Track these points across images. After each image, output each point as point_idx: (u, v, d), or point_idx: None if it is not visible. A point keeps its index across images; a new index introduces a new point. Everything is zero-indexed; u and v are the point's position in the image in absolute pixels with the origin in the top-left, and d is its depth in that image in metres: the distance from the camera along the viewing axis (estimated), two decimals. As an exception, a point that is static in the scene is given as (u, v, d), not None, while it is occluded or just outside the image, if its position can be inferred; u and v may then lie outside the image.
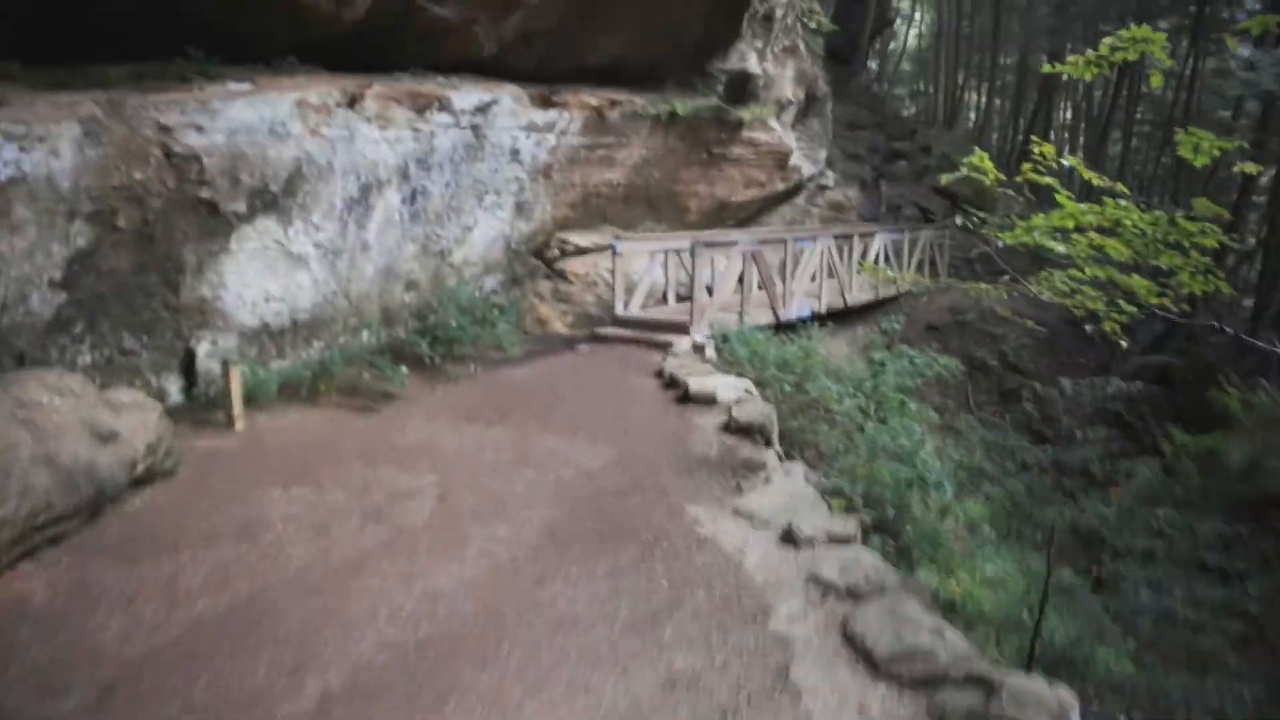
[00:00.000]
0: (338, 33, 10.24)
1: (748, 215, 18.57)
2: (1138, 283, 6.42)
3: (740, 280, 12.64)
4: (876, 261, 16.04)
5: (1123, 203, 5.99)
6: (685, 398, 8.83)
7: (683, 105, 15.22)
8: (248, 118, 8.17)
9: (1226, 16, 25.12)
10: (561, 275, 13.97)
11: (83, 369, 6.99)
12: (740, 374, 10.59)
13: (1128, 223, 5.91)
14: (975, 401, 15.41)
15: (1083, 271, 6.89)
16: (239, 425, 7.51)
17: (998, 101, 32.00)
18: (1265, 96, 16.72)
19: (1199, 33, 24.20)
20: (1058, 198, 6.31)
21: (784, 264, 13.72)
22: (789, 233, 14.52)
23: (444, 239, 11.37)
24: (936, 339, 16.26)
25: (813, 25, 17.68)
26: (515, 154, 12.29)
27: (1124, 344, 7.57)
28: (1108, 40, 5.08)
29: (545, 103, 12.63)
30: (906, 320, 16.55)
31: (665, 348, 11.17)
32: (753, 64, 16.18)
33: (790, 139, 18.22)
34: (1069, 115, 32.84)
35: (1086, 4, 28.49)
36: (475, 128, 11.36)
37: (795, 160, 18.59)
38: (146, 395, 6.83)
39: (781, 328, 13.34)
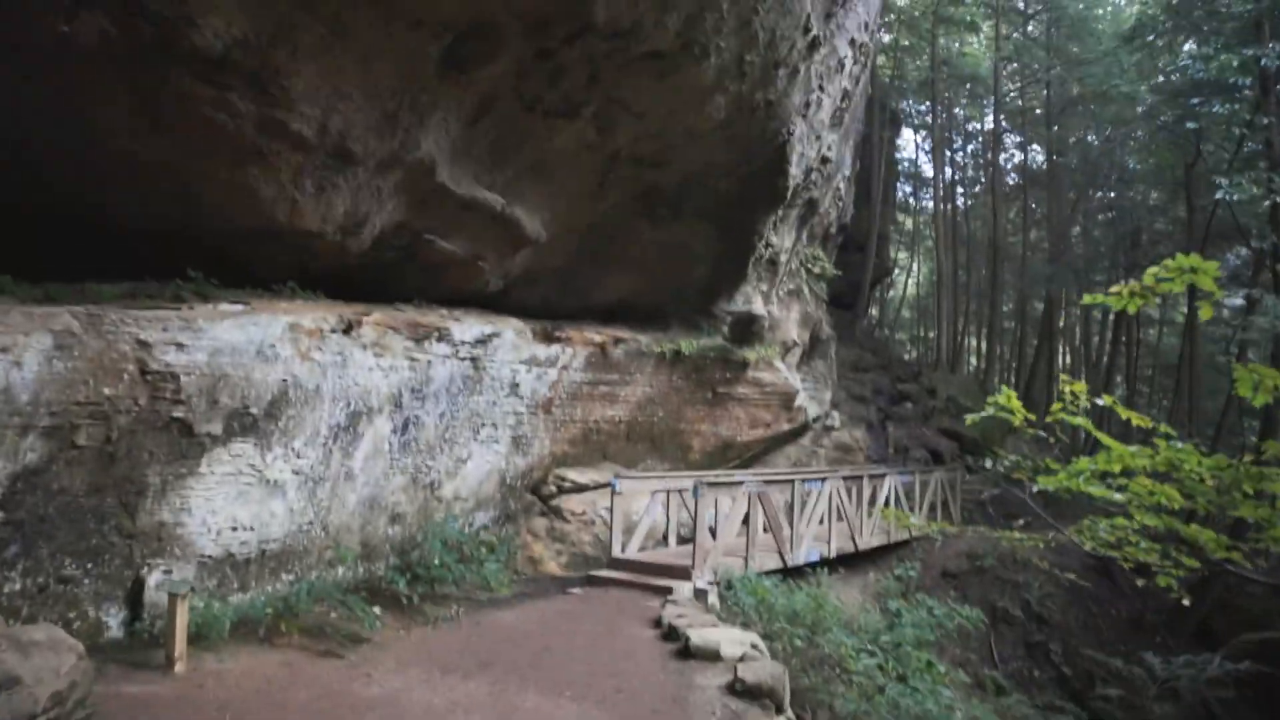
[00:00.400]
0: (342, 263, 10.20)
1: (753, 455, 18.13)
2: (1205, 535, 5.75)
3: (745, 522, 11.97)
4: (888, 504, 15.40)
5: (1179, 445, 5.43)
6: (686, 651, 7.97)
7: (688, 344, 15.13)
8: (234, 338, 7.86)
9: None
10: (558, 513, 13.33)
11: (7, 596, 6.27)
12: (746, 625, 9.74)
13: (1186, 467, 5.33)
14: (999, 656, 14.29)
15: (1130, 520, 6.25)
16: (179, 668, 6.66)
17: (998, 347, 32.38)
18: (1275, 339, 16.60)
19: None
20: (1102, 439, 5.75)
21: (791, 506, 13.09)
22: (796, 473, 13.97)
23: (435, 471, 10.84)
24: (954, 586, 15.34)
25: (816, 270, 17.96)
26: (515, 387, 11.99)
27: (1186, 601, 6.81)
28: (1152, 271, 4.72)
29: (548, 338, 12.47)
30: (921, 566, 15.69)
31: (665, 593, 10.37)
32: (758, 306, 16.25)
33: (795, 380, 18.07)
34: (1068, 359, 33.11)
35: (1078, 257, 29.40)
36: (474, 359, 11.11)
37: (801, 401, 18.37)
38: (77, 630, 6.08)
39: (789, 573, 12.53)
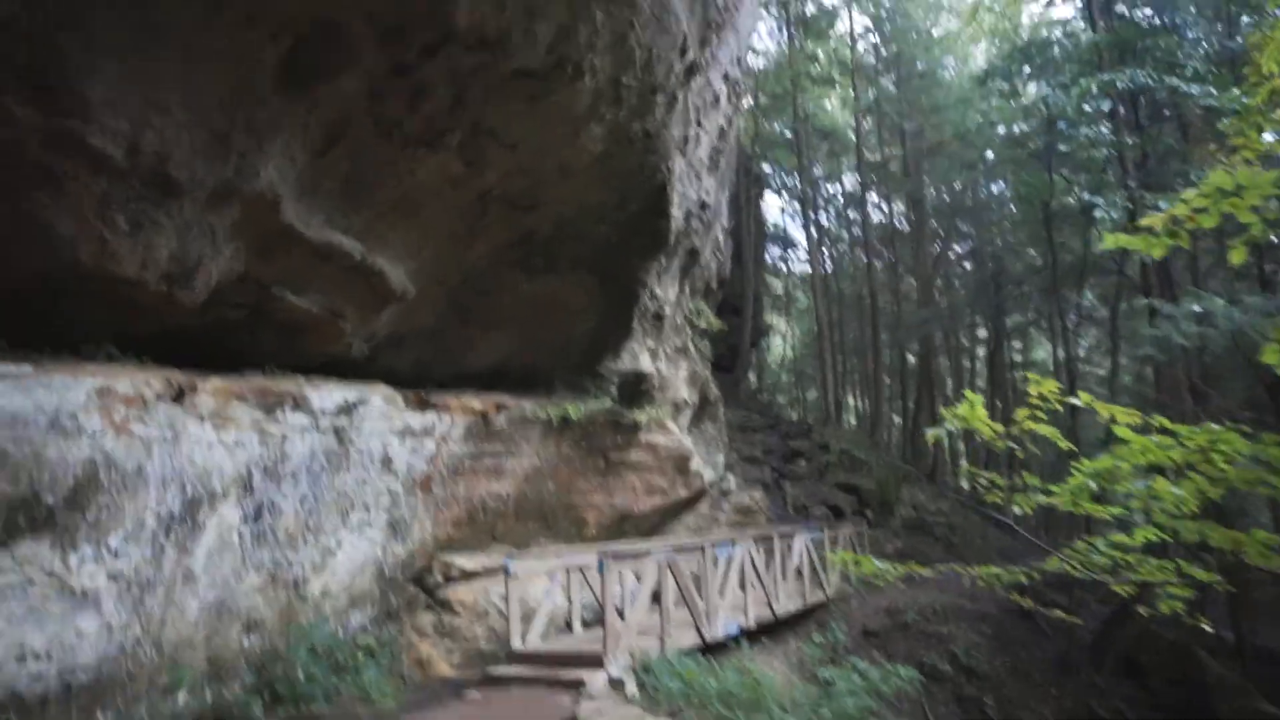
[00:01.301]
0: (174, 323, 8.63)
1: (651, 527, 16.85)
2: (1246, 538, 4.71)
3: (657, 597, 10.67)
4: (801, 565, 14.35)
5: (1214, 426, 4.44)
6: (615, 755, 6.60)
7: (575, 408, 13.90)
8: (14, 405, 6.20)
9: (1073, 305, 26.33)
10: (446, 605, 11.71)
11: None
12: (674, 715, 8.41)
13: (1226, 449, 4.31)
14: (933, 715, 13.26)
15: (1130, 536, 5.25)
16: None
17: (881, 399, 32.29)
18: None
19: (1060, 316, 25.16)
20: (1119, 432, 4.72)
21: (703, 576, 11.88)
22: (705, 540, 12.78)
23: (298, 565, 9.19)
24: (876, 646, 14.34)
25: (701, 325, 17.08)
26: (388, 463, 10.47)
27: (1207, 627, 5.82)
28: (1189, 194, 3.82)
29: (422, 404, 11.04)
30: (839, 628, 14.66)
31: (576, 687, 8.94)
32: (646, 363, 15.19)
33: (689, 442, 17.00)
34: (945, 402, 33.39)
35: (945, 306, 29.72)
36: (338, 431, 9.59)
37: (696, 464, 17.26)
38: None
39: (709, 649, 11.27)
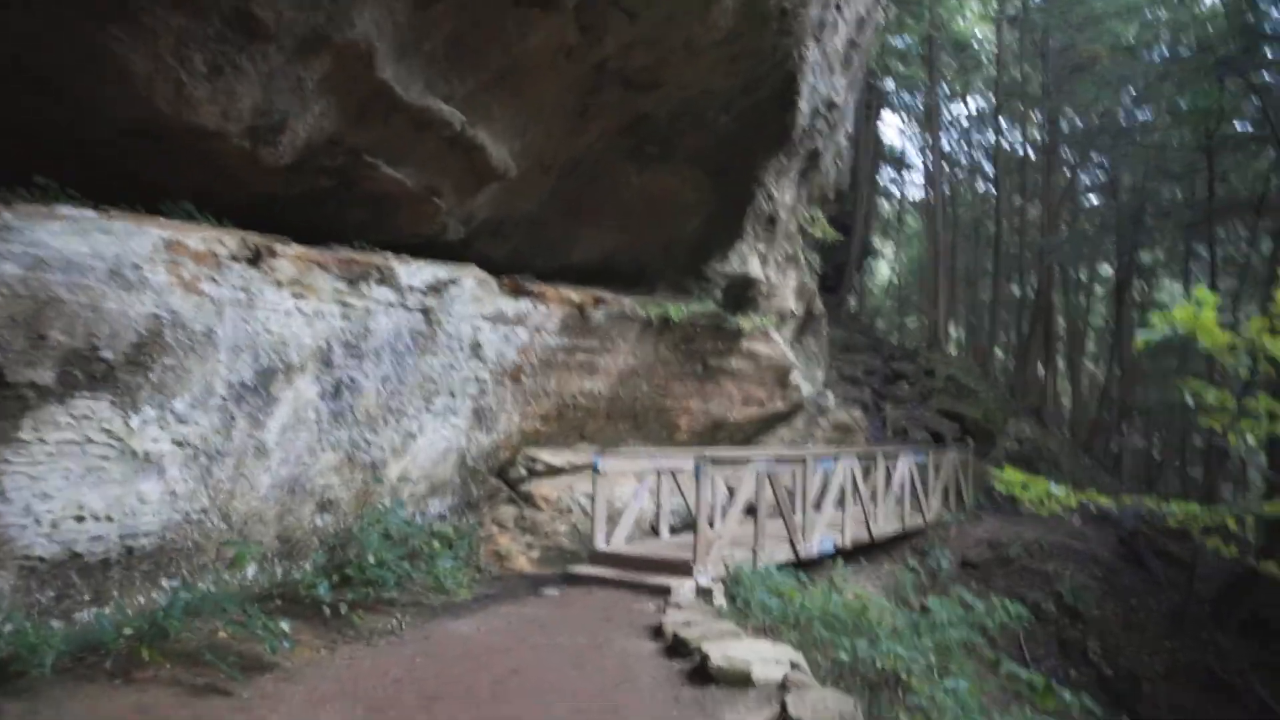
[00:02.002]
0: (259, 188, 7.93)
1: (744, 437, 15.96)
2: None
3: (751, 509, 9.81)
4: (902, 488, 13.30)
5: None
6: (703, 674, 5.79)
7: (677, 309, 12.94)
8: (72, 249, 5.55)
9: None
10: (528, 499, 11.08)
11: None
12: (767, 633, 7.58)
13: None
14: (1031, 655, 12.21)
15: None
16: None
17: (991, 325, 30.38)
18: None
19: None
20: None
21: (801, 490, 10.96)
22: (808, 452, 11.82)
23: (377, 448, 8.57)
24: (976, 578, 13.27)
25: (816, 233, 15.81)
26: (477, 349, 9.73)
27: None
28: None
29: (517, 291, 10.22)
30: (937, 556, 13.63)
31: (661, 594, 8.20)
32: (755, 268, 14.08)
33: (791, 354, 15.93)
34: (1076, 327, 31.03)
35: (1077, 238, 27.49)
36: (426, 311, 8.84)
37: (796, 378, 16.23)
38: None
39: (800, 566, 10.41)
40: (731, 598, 8.70)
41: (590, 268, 12.68)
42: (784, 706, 4.90)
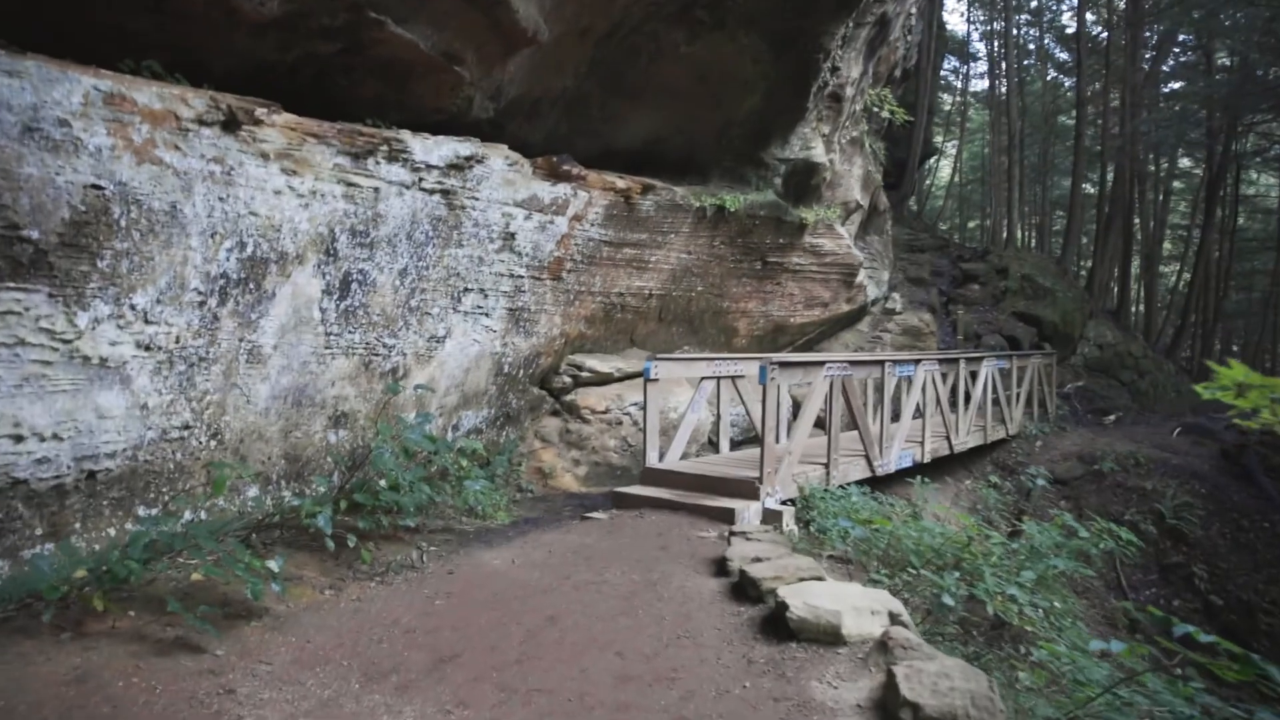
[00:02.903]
0: (251, 54, 6.66)
1: (807, 342, 14.68)
2: None
3: (820, 422, 8.59)
4: (984, 396, 11.95)
5: None
6: (779, 626, 4.64)
7: (733, 199, 11.54)
8: (-31, 97, 4.34)
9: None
10: (574, 411, 9.97)
11: None
12: (841, 562, 6.43)
13: None
14: (1129, 582, 10.98)
15: None
16: None
17: (1072, 219, 28.26)
18: None
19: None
20: None
21: (877, 398, 9.71)
22: (884, 357, 10.50)
23: (397, 354, 7.44)
24: (1066, 495, 11.98)
25: (885, 114, 14.14)
26: (509, 240, 8.48)
27: None
28: None
29: (553, 172, 8.90)
30: (1024, 471, 12.34)
31: (723, 518, 7.07)
32: (818, 152, 12.54)
33: (857, 251, 14.46)
34: (1150, 227, 28.80)
35: (1161, 119, 25.16)
36: (448, 193, 7.58)
37: (861, 277, 14.80)
38: None
39: (877, 483, 9.22)
40: (804, 523, 7.55)
41: (636, 154, 11.28)
42: (891, 677, 3.72)
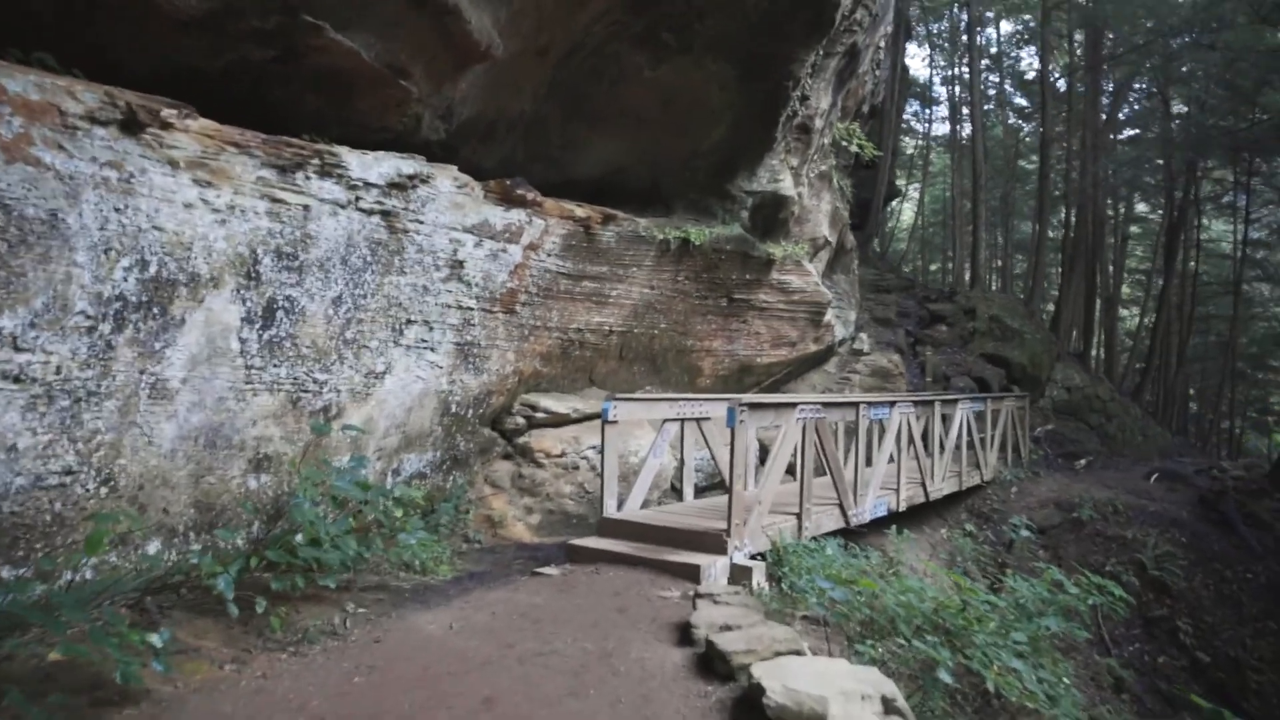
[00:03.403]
0: (174, 56, 5.99)
1: (773, 383, 14.08)
2: None
3: (795, 465, 7.95)
4: (960, 440, 11.40)
5: None
6: (752, 710, 3.94)
7: (699, 232, 10.98)
8: None
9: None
10: (527, 454, 9.25)
11: None
12: (814, 623, 5.76)
13: None
14: (1110, 636, 10.39)
15: None
16: None
17: (1035, 264, 28.08)
18: None
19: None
20: None
21: (849, 443, 9.12)
22: (856, 397, 9.93)
23: (330, 389, 6.69)
24: (1044, 545, 11.43)
25: (853, 148, 13.72)
26: (458, 268, 7.80)
27: None
28: None
29: (506, 196, 8.26)
30: (1000, 519, 11.78)
31: (688, 575, 6.38)
32: (787, 185, 12.04)
33: (825, 289, 13.95)
34: (1110, 271, 28.72)
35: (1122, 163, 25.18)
36: (389, 215, 6.89)
37: (829, 316, 14.29)
38: None
39: (849, 535, 8.58)
40: (775, 579, 6.88)
41: (597, 184, 10.71)
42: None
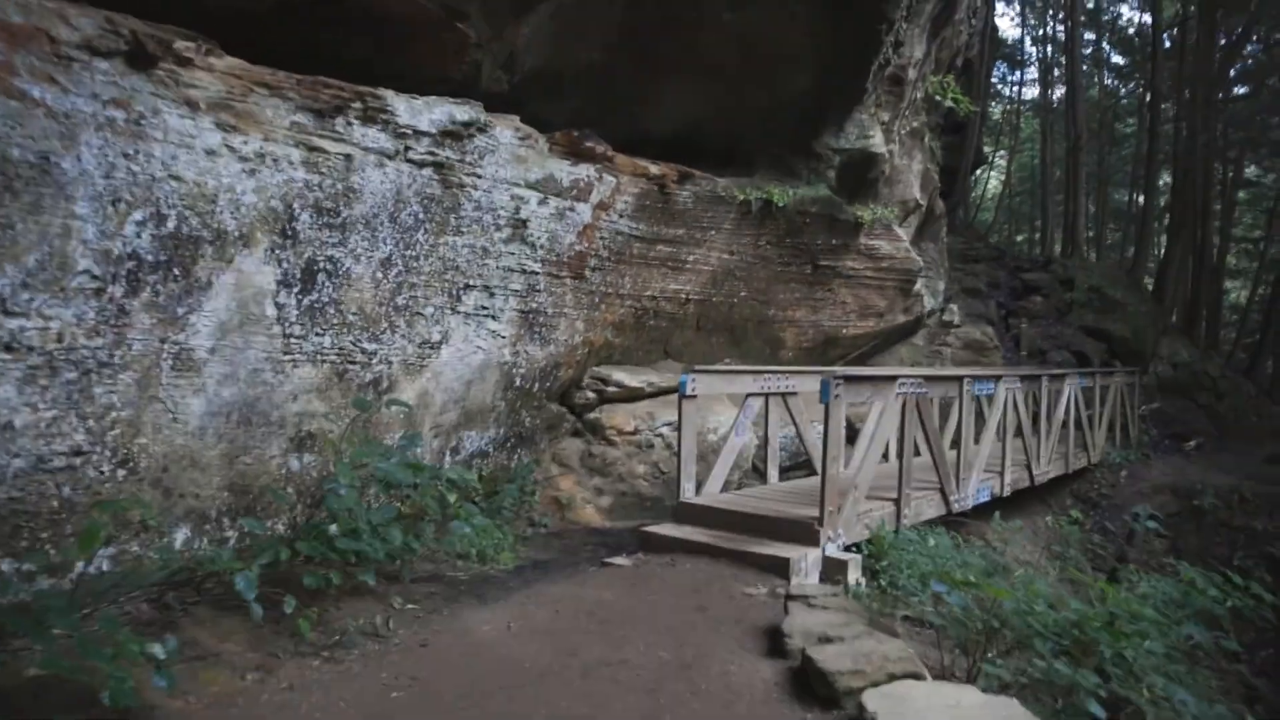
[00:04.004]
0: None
1: (860, 355, 13.11)
2: None
3: (898, 446, 7.09)
4: (1067, 419, 10.33)
5: None
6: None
7: (781, 193, 10.09)
8: None
9: None
10: (597, 431, 8.54)
11: None
12: (923, 629, 4.94)
13: None
14: (1242, 641, 9.24)
15: None
16: None
17: (1142, 225, 26.23)
18: None
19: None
20: None
21: (955, 421, 8.21)
22: (960, 371, 8.99)
23: (381, 361, 6.05)
24: (1160, 535, 10.30)
25: (948, 103, 12.60)
26: (520, 228, 7.08)
27: None
28: None
29: (574, 149, 7.50)
30: (1109, 506, 10.70)
31: (775, 569, 5.60)
32: (877, 141, 11.03)
33: (916, 255, 12.89)
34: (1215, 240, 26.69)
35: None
36: (443, 168, 6.20)
37: (919, 285, 13.24)
38: None
39: (951, 521, 7.68)
40: (873, 573, 6.06)
41: (672, 140, 9.84)
42: None
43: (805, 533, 5.92)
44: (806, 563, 5.69)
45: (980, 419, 8.43)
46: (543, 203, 7.16)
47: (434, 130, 5.98)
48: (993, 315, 17.61)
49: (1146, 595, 6.74)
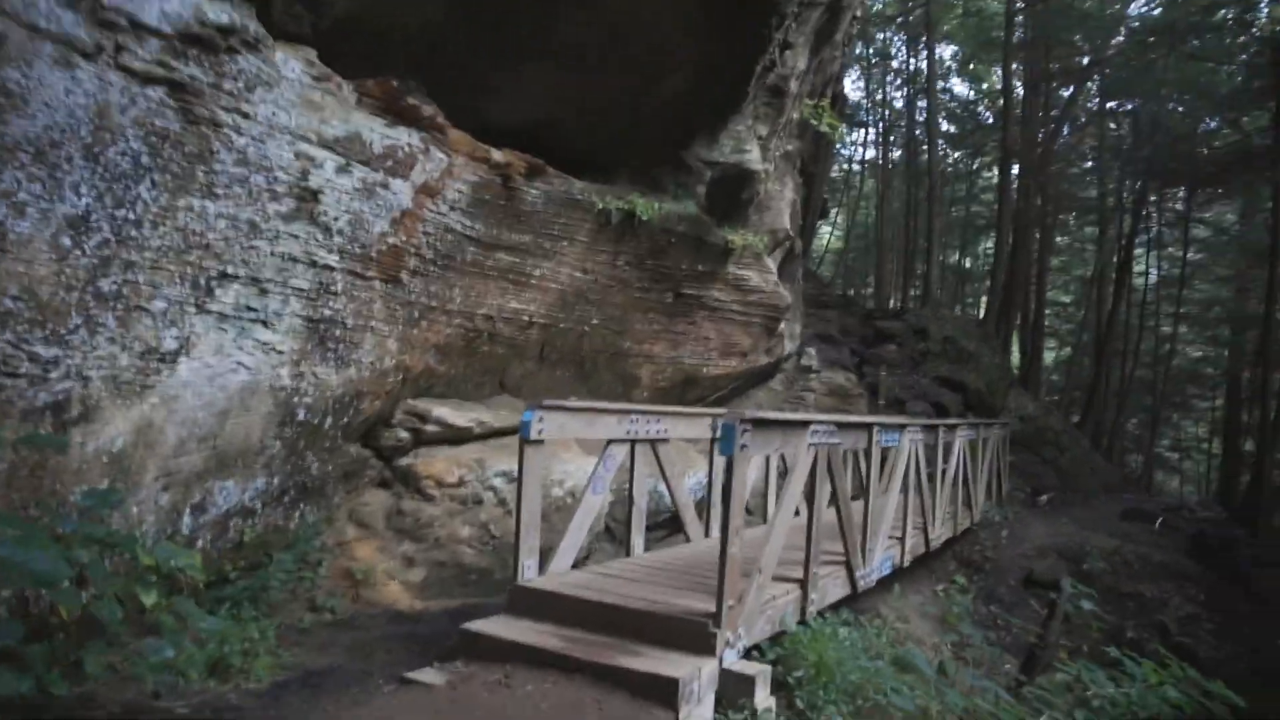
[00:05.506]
0: None
1: (719, 398, 11.55)
2: None
3: (807, 507, 5.42)
4: (957, 475, 9.06)
5: None
6: None
7: (647, 205, 8.44)
8: None
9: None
10: (411, 482, 6.48)
11: None
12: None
13: None
14: (1144, 726, 8.07)
15: None
16: None
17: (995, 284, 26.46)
18: None
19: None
20: None
21: (864, 476, 6.68)
22: (868, 419, 7.53)
23: (74, 376, 3.86)
24: (1047, 604, 9.11)
25: (823, 126, 11.35)
26: (309, 201, 5.03)
27: None
28: None
29: (392, 106, 5.55)
30: (994, 569, 9.46)
31: (656, 694, 3.75)
32: (754, 157, 9.58)
33: (785, 291, 11.51)
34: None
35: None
36: (183, 91, 4.12)
37: (784, 325, 11.89)
38: None
39: (856, 600, 6.08)
40: (780, 685, 4.33)
41: (520, 133, 8.01)
42: None
43: (695, 636, 4.11)
44: (700, 682, 3.88)
45: (881, 474, 6.89)
46: (343, 170, 5.15)
47: (169, 30, 3.92)
48: (848, 362, 16.59)
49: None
